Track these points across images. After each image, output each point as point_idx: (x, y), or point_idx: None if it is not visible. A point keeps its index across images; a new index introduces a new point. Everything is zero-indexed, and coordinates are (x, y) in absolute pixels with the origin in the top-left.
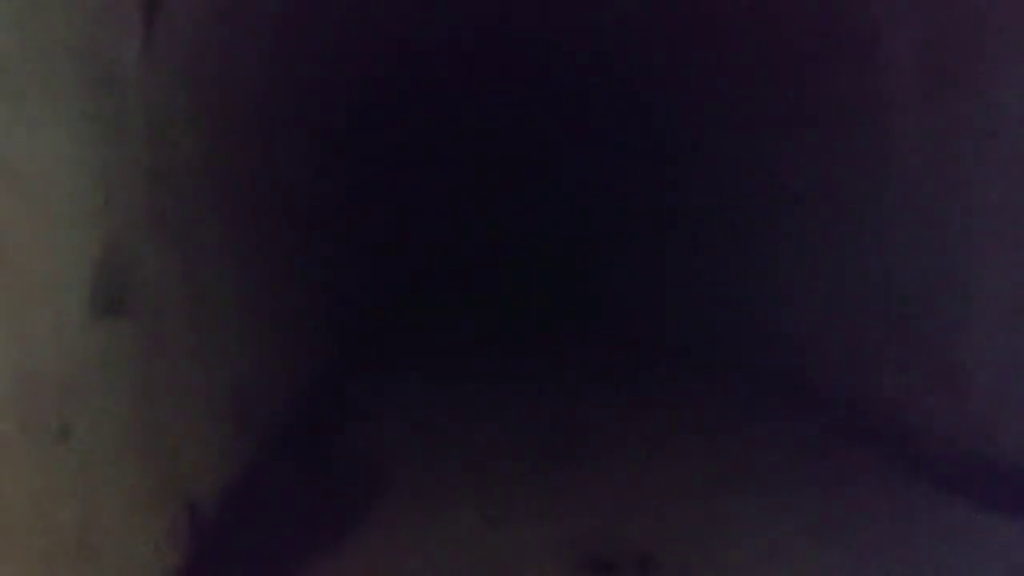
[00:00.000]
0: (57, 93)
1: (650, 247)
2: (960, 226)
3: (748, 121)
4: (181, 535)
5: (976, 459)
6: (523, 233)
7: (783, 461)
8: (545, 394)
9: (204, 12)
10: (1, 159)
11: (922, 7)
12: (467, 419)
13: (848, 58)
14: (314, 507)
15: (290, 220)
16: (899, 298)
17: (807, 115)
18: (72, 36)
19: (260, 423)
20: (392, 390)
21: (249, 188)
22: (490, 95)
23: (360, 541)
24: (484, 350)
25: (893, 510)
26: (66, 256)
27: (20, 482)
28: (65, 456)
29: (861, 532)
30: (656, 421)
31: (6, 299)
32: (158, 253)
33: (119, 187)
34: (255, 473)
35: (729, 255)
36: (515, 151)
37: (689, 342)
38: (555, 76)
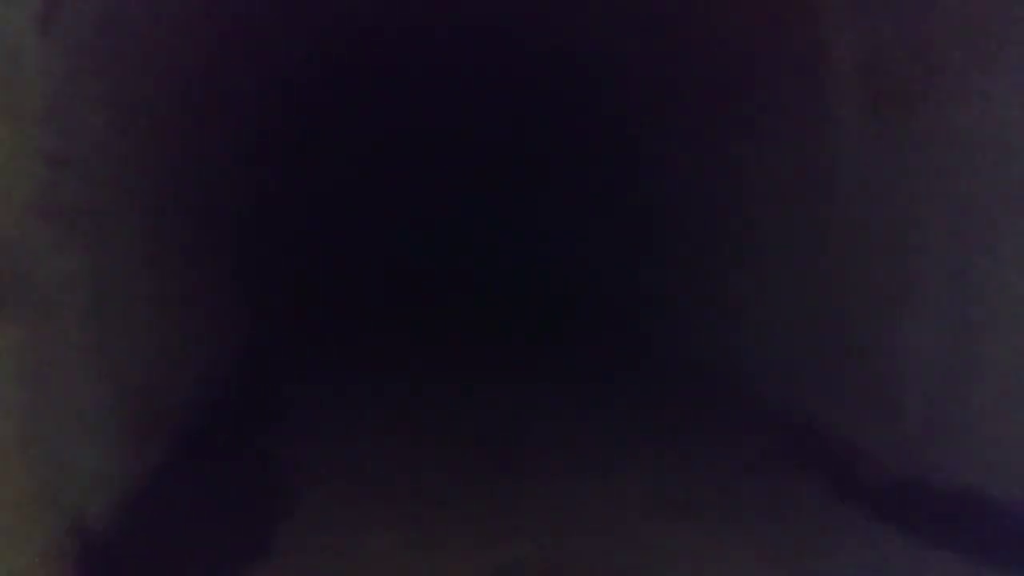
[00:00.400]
0: None
1: (609, 252)
2: (896, 241)
3: (710, 128)
4: (68, 551)
5: (910, 482)
6: (475, 233)
7: (723, 485)
8: (484, 402)
9: None
10: None
11: (867, 25)
12: (395, 426)
13: (793, 72)
14: (220, 524)
15: (212, 216)
16: (835, 313)
17: (758, 127)
18: None
19: (169, 429)
20: (315, 394)
21: (169, 181)
22: (451, 95)
23: (266, 568)
24: (422, 353)
25: (827, 538)
26: None
27: None
28: None
29: (797, 562)
30: (599, 434)
31: None
32: (56, 248)
33: (9, 173)
34: (160, 483)
35: (685, 260)
36: (474, 152)
37: (643, 351)
38: (521, 81)
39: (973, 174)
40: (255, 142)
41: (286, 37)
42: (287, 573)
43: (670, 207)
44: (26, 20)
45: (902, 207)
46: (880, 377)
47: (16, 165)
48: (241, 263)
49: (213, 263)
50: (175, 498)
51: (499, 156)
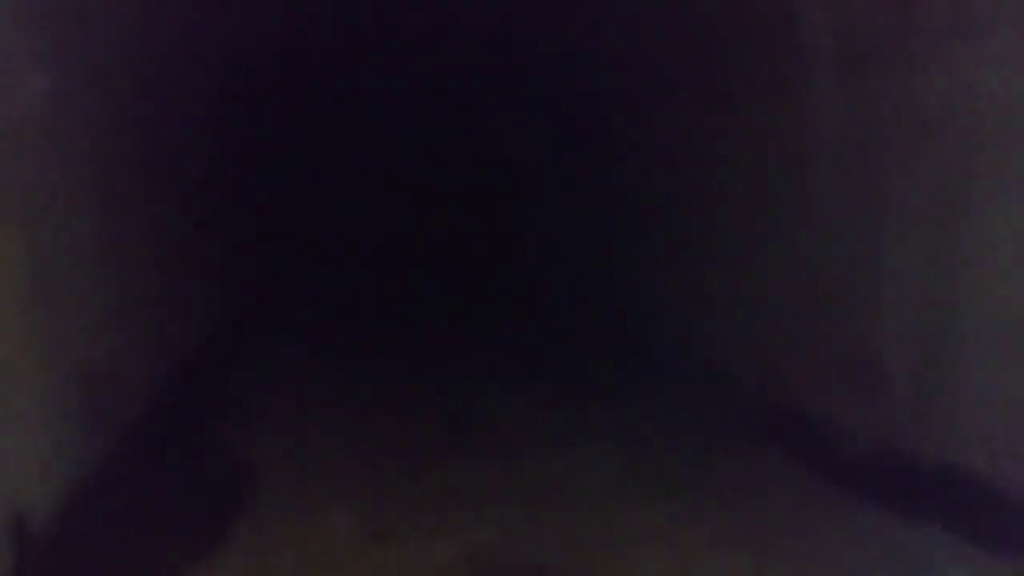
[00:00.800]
0: None
1: (581, 234)
2: (874, 214)
3: (679, 105)
4: (4, 549)
5: (889, 460)
6: (450, 212)
7: (695, 463)
8: (449, 385)
9: None
10: None
11: None
12: (356, 411)
13: (766, 42)
14: (173, 515)
15: (168, 194)
16: (812, 287)
17: (729, 100)
18: None
19: (121, 417)
20: (273, 378)
21: (122, 157)
22: (422, 78)
23: (222, 558)
24: (385, 337)
25: (804, 516)
26: None
27: None
28: None
29: (771, 541)
30: (566, 415)
31: None
32: None
33: None
34: (109, 473)
35: (659, 238)
36: (443, 137)
37: (617, 332)
38: (492, 61)
39: (951, 144)
40: (223, 108)
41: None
42: (242, 567)
43: (643, 187)
44: None
45: (879, 179)
46: (859, 352)
47: None
48: (205, 241)
49: (173, 241)
50: (126, 491)
51: (471, 137)
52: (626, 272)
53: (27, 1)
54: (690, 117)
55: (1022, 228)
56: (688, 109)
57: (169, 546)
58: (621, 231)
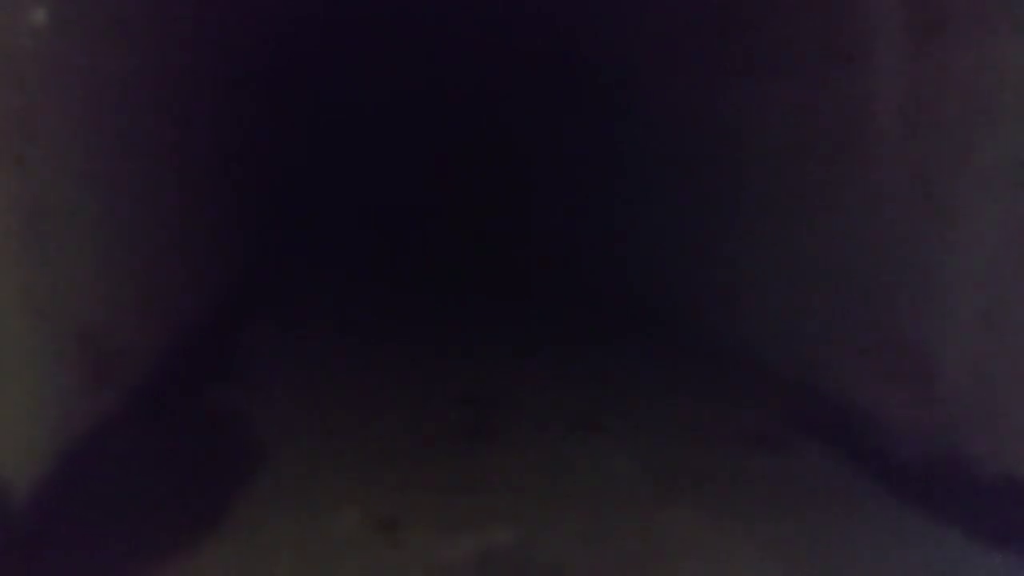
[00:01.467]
0: None
1: (596, 205)
2: (933, 203)
3: (705, 68)
4: None
5: (941, 464)
6: (453, 187)
7: (728, 458)
8: (462, 363)
9: None
10: None
11: None
12: (365, 388)
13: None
14: (168, 491)
15: (175, 145)
16: (858, 278)
17: (773, 63)
18: None
19: (118, 377)
20: (282, 348)
21: (123, 98)
22: (423, 42)
23: (214, 544)
24: (396, 311)
25: (850, 521)
26: None
27: None
28: None
29: (813, 548)
30: (587, 401)
31: None
32: None
33: None
34: (103, 441)
35: (679, 216)
36: (442, 106)
37: (634, 310)
38: (493, 25)
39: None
40: (234, 70)
41: None
42: (237, 556)
43: (671, 158)
44: None
45: (942, 163)
46: (908, 350)
47: None
48: (215, 195)
49: (182, 192)
50: (119, 458)
51: (474, 105)
52: (651, 250)
53: None
54: (725, 86)
55: None
56: (733, 71)
57: (155, 526)
58: (645, 206)
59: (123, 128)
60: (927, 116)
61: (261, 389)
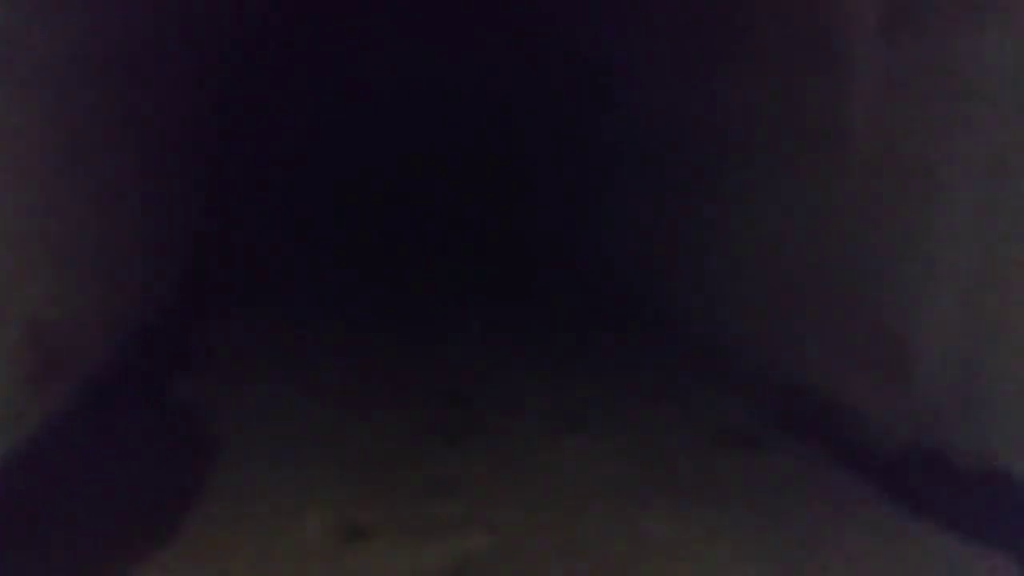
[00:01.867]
0: None
1: (580, 192)
2: (912, 192)
3: (685, 54)
4: None
5: (923, 457)
6: (434, 168)
7: (707, 458)
8: (442, 353)
9: None
10: None
11: None
12: (335, 379)
13: None
14: (120, 492)
15: (128, 128)
16: (838, 265)
17: (752, 53)
18: None
19: (70, 374)
20: (246, 337)
21: (73, 79)
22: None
23: (164, 555)
24: (370, 294)
25: (830, 517)
26: None
27: None
28: None
29: (798, 550)
30: (567, 398)
31: None
32: None
33: None
34: (55, 440)
35: (659, 210)
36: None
37: (618, 300)
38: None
39: (1005, 119)
40: (216, 49)
41: None
42: (188, 568)
43: (648, 140)
44: None
45: (920, 155)
46: (888, 339)
47: None
48: (181, 185)
49: (144, 174)
50: (70, 459)
51: (464, 80)
52: (632, 236)
53: None
54: (699, 68)
55: None
56: (713, 58)
57: (105, 532)
58: (627, 197)
59: (83, 118)
60: (904, 106)
61: (227, 383)
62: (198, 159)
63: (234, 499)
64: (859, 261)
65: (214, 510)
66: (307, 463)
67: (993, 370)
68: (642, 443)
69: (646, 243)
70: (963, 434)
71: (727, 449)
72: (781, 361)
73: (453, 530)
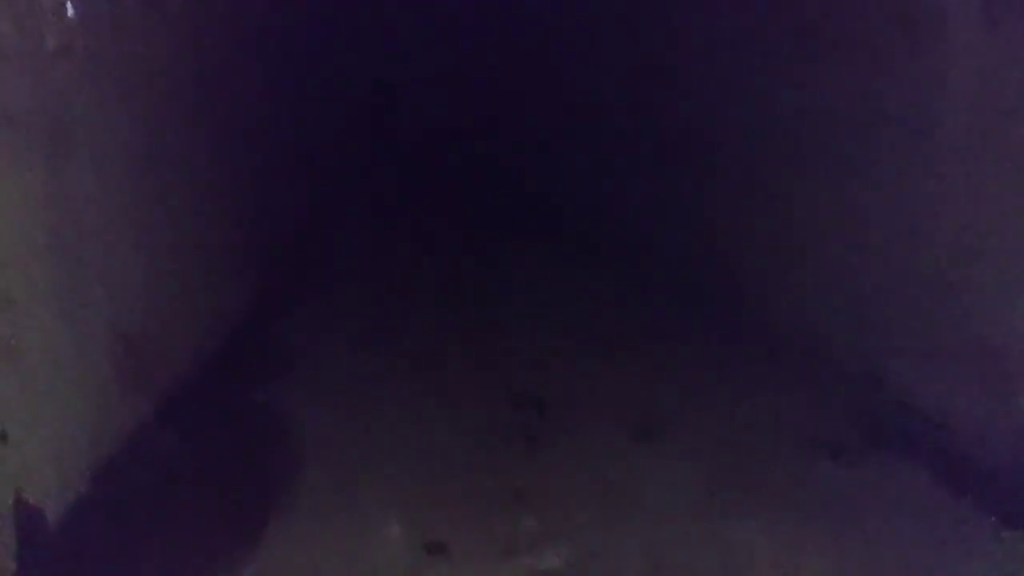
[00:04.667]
0: None
1: (644, 175)
2: (1020, 187)
3: (761, 39)
4: (8, 537)
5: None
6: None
7: (796, 466)
8: (523, 352)
9: None
10: None
11: None
12: (420, 383)
13: None
14: (208, 503)
15: (203, 124)
16: (932, 269)
17: (832, 38)
18: None
19: (158, 382)
20: (331, 338)
21: (146, 79)
22: None
23: (251, 565)
24: (449, 288)
25: (927, 535)
26: None
27: None
28: None
29: (891, 567)
30: (642, 397)
31: None
32: None
33: None
34: (138, 452)
35: (726, 193)
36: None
37: (689, 289)
38: None
39: None
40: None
41: None
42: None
43: (725, 134)
44: None
45: (1018, 151)
46: (992, 352)
47: None
48: (243, 182)
49: (202, 182)
50: (157, 468)
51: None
52: (713, 218)
53: None
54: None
55: None
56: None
57: (191, 541)
58: (706, 176)
59: (160, 123)
60: (1000, 102)
61: (308, 386)
62: (281, 161)
63: (320, 506)
64: (954, 267)
65: (297, 521)
66: (388, 470)
67: None
68: (731, 451)
69: (737, 237)
70: None
71: (817, 458)
72: (877, 369)
73: (528, 544)
